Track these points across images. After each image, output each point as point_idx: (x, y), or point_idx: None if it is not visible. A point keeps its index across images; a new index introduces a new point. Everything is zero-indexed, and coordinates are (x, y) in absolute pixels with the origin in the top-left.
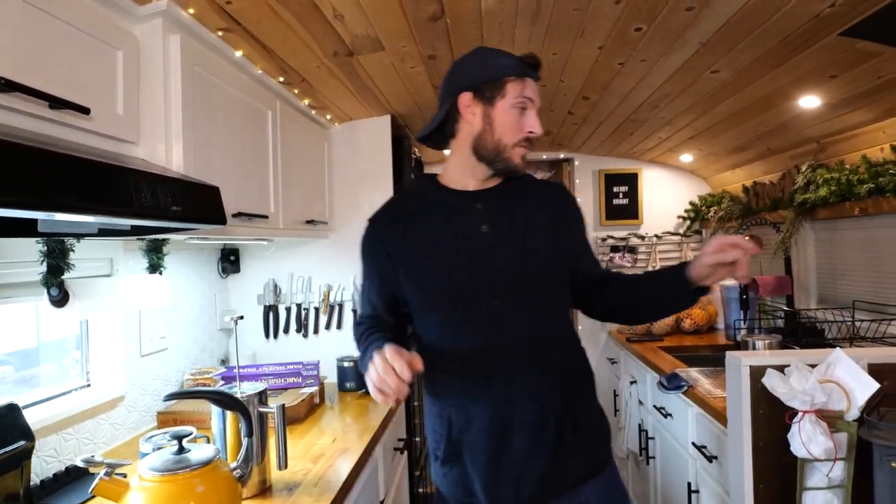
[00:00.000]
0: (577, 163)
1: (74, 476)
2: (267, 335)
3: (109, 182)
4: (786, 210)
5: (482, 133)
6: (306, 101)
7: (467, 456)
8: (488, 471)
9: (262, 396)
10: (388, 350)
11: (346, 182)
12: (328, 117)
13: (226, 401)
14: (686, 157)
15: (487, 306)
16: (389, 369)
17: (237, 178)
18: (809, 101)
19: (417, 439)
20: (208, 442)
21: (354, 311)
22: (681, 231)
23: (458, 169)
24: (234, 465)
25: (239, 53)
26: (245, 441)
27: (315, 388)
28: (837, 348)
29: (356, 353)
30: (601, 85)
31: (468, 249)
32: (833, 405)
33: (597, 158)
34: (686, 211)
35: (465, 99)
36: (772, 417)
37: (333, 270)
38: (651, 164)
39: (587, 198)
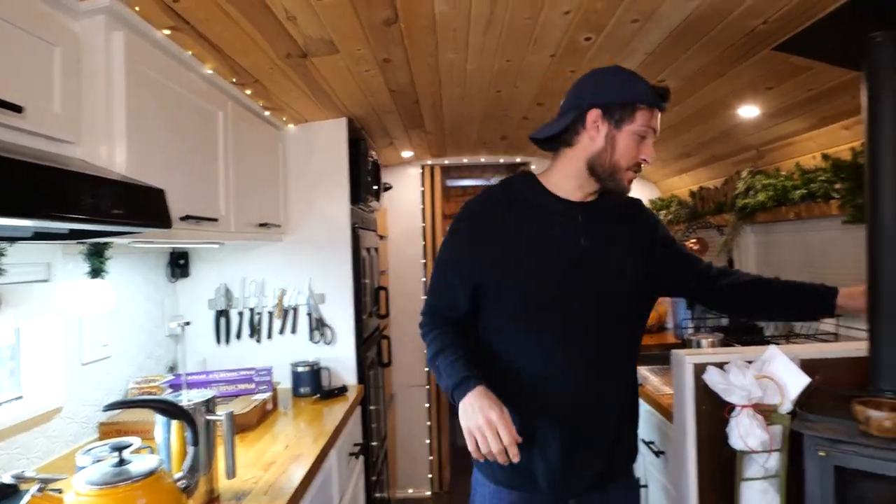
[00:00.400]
0: (533, 167)
1: (3, 494)
2: (218, 341)
3: (44, 184)
4: (728, 214)
5: (601, 152)
6: (260, 103)
7: (535, 443)
8: (556, 458)
9: (209, 404)
10: (495, 412)
11: (301, 184)
12: (283, 119)
13: (170, 409)
14: None
15: (573, 318)
16: (495, 433)
17: (185, 180)
18: (749, 111)
19: (375, 443)
20: (152, 453)
21: (309, 315)
22: None
23: (564, 176)
24: (178, 475)
25: (188, 53)
26: (190, 450)
27: (268, 395)
28: (772, 345)
29: (311, 358)
30: (554, 91)
31: (566, 260)
32: (768, 399)
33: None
34: None
35: (594, 115)
36: (713, 413)
37: (288, 274)
38: None
39: None
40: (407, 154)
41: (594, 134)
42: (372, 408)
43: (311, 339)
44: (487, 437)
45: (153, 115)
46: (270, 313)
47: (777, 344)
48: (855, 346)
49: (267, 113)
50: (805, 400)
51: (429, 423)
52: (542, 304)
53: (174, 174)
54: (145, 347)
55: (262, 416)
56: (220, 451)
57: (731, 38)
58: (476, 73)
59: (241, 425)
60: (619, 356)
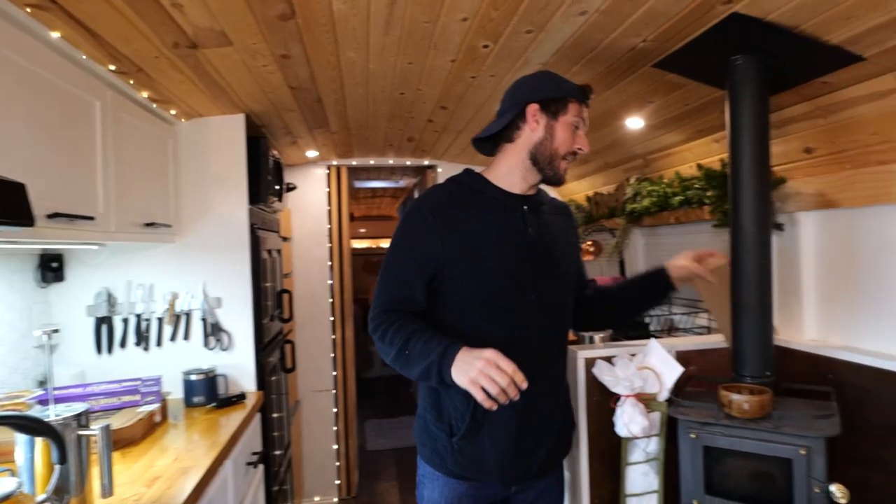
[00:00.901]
0: (440, 170)
1: None
2: (99, 350)
3: None
4: (619, 218)
5: (542, 141)
6: (145, 94)
7: (488, 432)
8: (508, 447)
9: (81, 418)
10: (487, 352)
11: (195, 183)
12: (173, 112)
13: (30, 426)
14: None
15: (528, 300)
16: (497, 368)
17: (54, 174)
18: (635, 123)
19: (278, 452)
20: (13, 475)
21: (204, 320)
22: None
23: (508, 170)
24: (41, 497)
25: (56, 34)
26: (56, 469)
27: (156, 406)
28: (652, 339)
29: (206, 365)
30: (457, 96)
31: (520, 246)
32: (648, 388)
33: (460, 166)
34: None
35: (533, 109)
36: (603, 403)
37: (180, 277)
38: None
39: None
40: (312, 154)
41: (534, 126)
42: (275, 415)
43: (206, 345)
44: (492, 374)
45: (11, 100)
46: (160, 319)
47: (657, 337)
48: (723, 338)
49: (154, 105)
50: (681, 388)
51: (336, 427)
52: (500, 290)
53: (39, 167)
54: (8, 361)
55: (148, 430)
56: (97, 470)
57: (616, 53)
58: (378, 74)
59: (124, 440)
60: (562, 344)
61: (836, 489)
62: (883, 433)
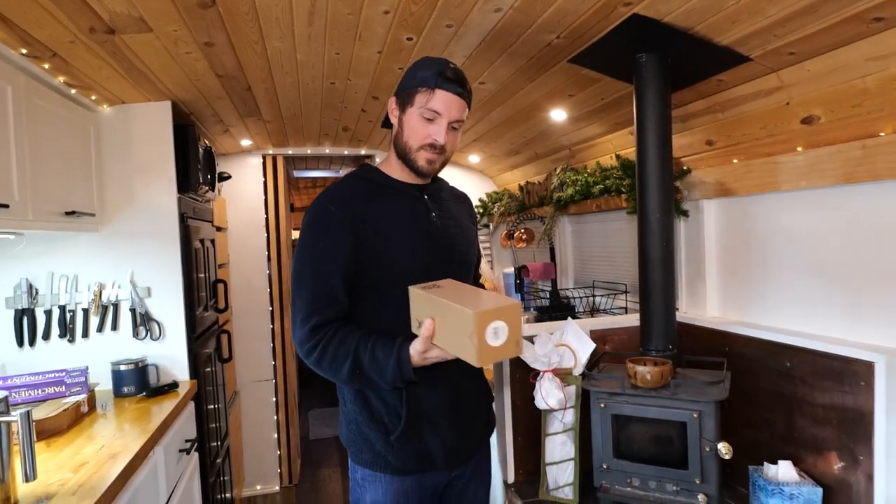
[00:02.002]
0: (378, 159)
1: None
2: (20, 343)
3: None
4: (548, 206)
5: (398, 135)
6: (61, 79)
7: (426, 424)
8: (448, 431)
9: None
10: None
11: (120, 171)
12: (93, 98)
13: None
14: (474, 158)
15: (437, 278)
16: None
17: None
18: (558, 115)
19: (214, 444)
20: None
21: (133, 310)
22: None
23: (393, 162)
24: None
25: None
26: None
27: (82, 397)
28: (569, 318)
29: (136, 356)
30: (388, 86)
31: (427, 232)
32: (565, 364)
33: None
34: (476, 207)
35: (391, 104)
36: (524, 380)
37: (106, 267)
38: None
39: None
40: (246, 143)
41: (393, 119)
42: (210, 407)
43: (136, 335)
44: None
45: None
46: (86, 310)
47: (578, 318)
48: (634, 317)
49: (73, 91)
50: (596, 364)
51: (276, 417)
52: (410, 275)
53: None
54: None
55: (75, 420)
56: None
57: (533, 49)
58: (307, 64)
59: (49, 430)
60: None
61: (722, 446)
62: (770, 398)
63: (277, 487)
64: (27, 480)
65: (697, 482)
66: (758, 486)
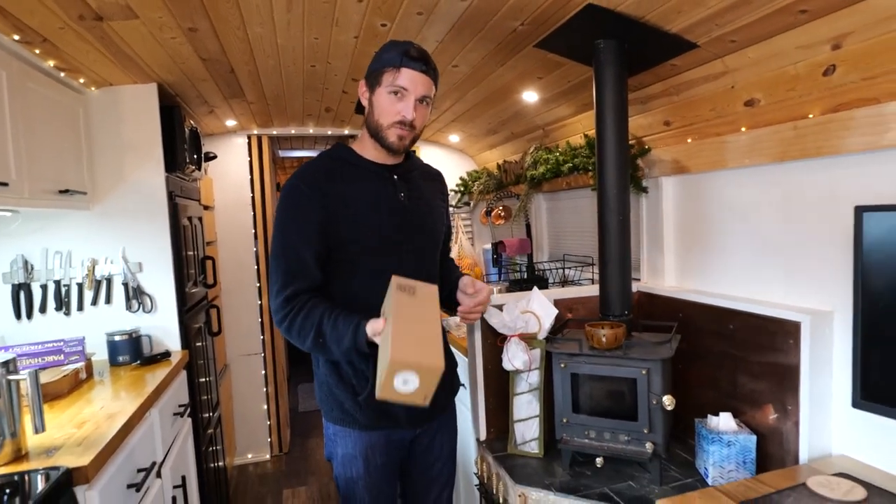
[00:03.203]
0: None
1: None
2: (18, 316)
3: None
4: (524, 184)
5: (369, 115)
6: (51, 63)
7: None
8: None
9: (9, 365)
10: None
11: (110, 151)
12: (82, 81)
13: None
14: (454, 138)
15: (404, 261)
16: None
17: None
18: (530, 96)
19: (207, 415)
20: None
21: (125, 285)
22: (453, 203)
23: (366, 142)
24: None
25: None
26: None
27: (80, 364)
28: (535, 287)
29: (128, 328)
30: (366, 69)
31: (394, 210)
32: (530, 329)
33: None
34: (457, 185)
35: (361, 86)
36: (494, 345)
37: (99, 244)
38: (427, 143)
39: None
40: (231, 123)
41: (364, 101)
42: (202, 380)
43: (129, 308)
44: None
45: None
46: (80, 285)
47: (547, 288)
48: (597, 288)
49: (62, 74)
50: (560, 330)
51: (266, 389)
52: (379, 253)
53: None
54: None
55: (74, 385)
56: (28, 418)
57: (500, 34)
58: (287, 48)
59: (50, 394)
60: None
61: (666, 399)
62: (716, 359)
63: (268, 456)
64: (37, 432)
65: (646, 432)
66: (701, 436)
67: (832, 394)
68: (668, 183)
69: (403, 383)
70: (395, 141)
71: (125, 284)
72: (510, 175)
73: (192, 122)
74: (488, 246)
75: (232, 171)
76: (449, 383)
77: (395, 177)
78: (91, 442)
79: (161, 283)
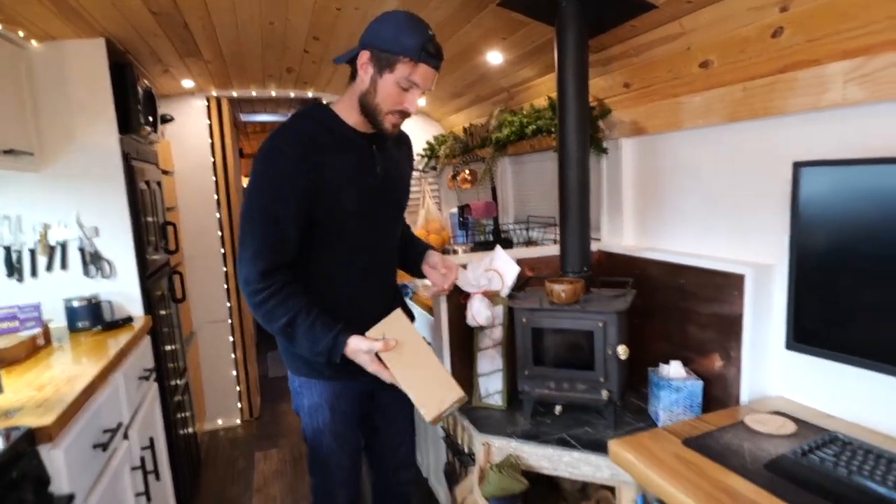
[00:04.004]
0: (325, 102)
1: None
2: None
3: None
4: (489, 147)
5: (367, 93)
6: None
7: (360, 320)
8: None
9: None
10: (371, 367)
11: (57, 111)
12: (21, 34)
13: None
14: (420, 101)
15: (378, 234)
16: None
17: None
18: (495, 57)
19: (174, 382)
20: None
21: (82, 250)
22: (419, 167)
23: (349, 109)
24: None
25: None
26: None
27: (37, 331)
28: (498, 246)
29: (88, 292)
30: (327, 26)
31: (372, 188)
32: (493, 287)
33: None
34: (424, 149)
35: (364, 57)
36: (459, 303)
37: (50, 208)
38: None
39: None
40: (188, 84)
41: (363, 74)
42: (168, 348)
43: (87, 273)
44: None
45: None
46: (32, 251)
47: (509, 248)
48: (559, 247)
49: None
50: (523, 287)
51: (234, 355)
52: (356, 228)
53: None
54: None
55: (31, 351)
56: None
57: None
58: (243, 2)
59: (7, 359)
60: (395, 260)
61: (620, 349)
62: (669, 312)
63: (238, 421)
64: None
65: (602, 380)
66: (653, 383)
67: (771, 340)
68: (628, 144)
69: (448, 410)
70: (390, 127)
71: (81, 250)
72: (476, 138)
73: (146, 81)
74: (455, 210)
75: (191, 135)
76: None
77: (374, 147)
78: (53, 403)
79: (120, 248)
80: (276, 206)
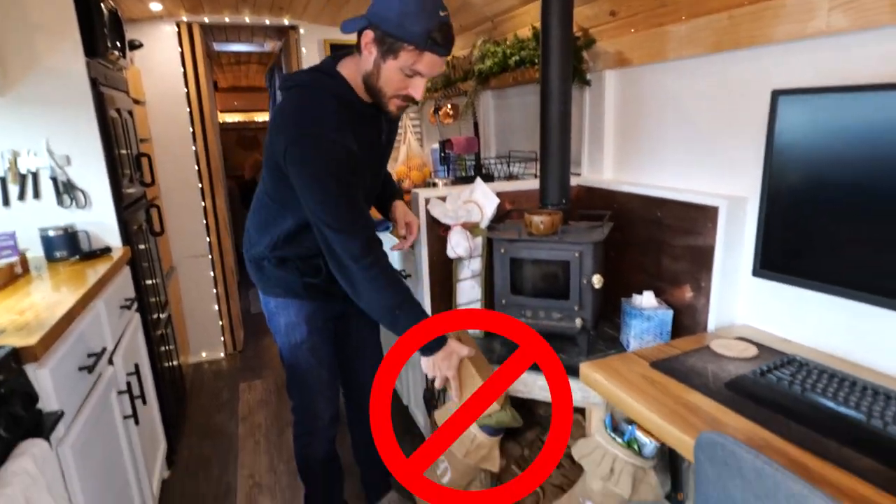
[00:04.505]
0: (302, 31)
1: None
2: None
3: None
4: (472, 80)
5: (370, 74)
6: None
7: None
8: None
9: None
10: (451, 372)
11: (16, 31)
12: None
13: None
14: None
15: (375, 179)
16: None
17: None
18: None
19: (156, 316)
20: None
21: (54, 179)
22: None
23: (356, 80)
24: None
25: None
26: None
27: (14, 259)
28: (478, 178)
29: (63, 222)
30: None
31: (379, 154)
32: (472, 218)
33: (323, 28)
34: None
35: (368, 37)
36: (438, 235)
37: (18, 135)
38: None
39: None
40: (156, 7)
41: (366, 54)
42: (149, 282)
43: (61, 203)
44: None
45: None
46: (3, 178)
47: (490, 182)
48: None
49: None
50: (503, 220)
51: (215, 290)
52: (366, 180)
53: None
54: None
55: (10, 279)
56: None
57: None
58: None
59: None
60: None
61: (595, 279)
62: (645, 244)
63: (222, 354)
64: None
65: (576, 309)
66: (626, 312)
67: (740, 271)
68: (611, 76)
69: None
70: (394, 110)
71: (54, 179)
72: (458, 71)
73: (111, 2)
74: (436, 146)
75: (162, 63)
76: None
77: (382, 118)
78: (35, 326)
79: (93, 177)
80: (351, 181)
